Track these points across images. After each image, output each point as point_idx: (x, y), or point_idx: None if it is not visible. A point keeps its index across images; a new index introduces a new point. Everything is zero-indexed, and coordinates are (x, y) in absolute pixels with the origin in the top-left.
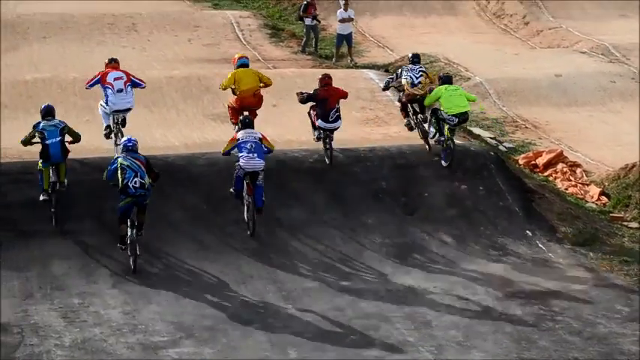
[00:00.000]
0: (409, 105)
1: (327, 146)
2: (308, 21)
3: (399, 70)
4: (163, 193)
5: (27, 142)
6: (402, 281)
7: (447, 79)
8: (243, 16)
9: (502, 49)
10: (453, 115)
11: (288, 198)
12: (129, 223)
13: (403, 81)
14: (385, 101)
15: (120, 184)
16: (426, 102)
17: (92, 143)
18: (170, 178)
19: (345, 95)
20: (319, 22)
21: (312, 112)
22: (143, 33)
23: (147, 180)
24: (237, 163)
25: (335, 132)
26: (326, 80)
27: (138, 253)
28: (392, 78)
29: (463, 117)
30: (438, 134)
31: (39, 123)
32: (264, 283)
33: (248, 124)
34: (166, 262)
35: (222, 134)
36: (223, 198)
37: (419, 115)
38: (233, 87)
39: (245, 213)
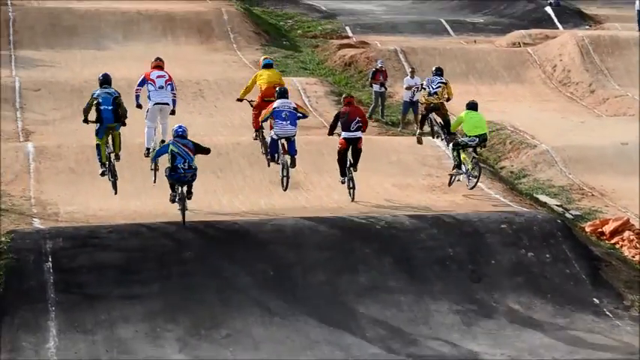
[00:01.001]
0: (430, 116)
1: (351, 182)
2: (376, 87)
3: (424, 82)
4: (231, 258)
5: (87, 109)
6: (469, 348)
7: (472, 106)
8: (309, 83)
9: (568, 117)
10: (474, 136)
11: (355, 263)
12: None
13: (422, 91)
14: (451, 168)
15: (169, 165)
16: (452, 128)
17: (158, 208)
18: (237, 244)
19: (363, 114)
20: (386, 88)
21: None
22: (210, 99)
23: (194, 163)
24: (271, 131)
25: (360, 144)
26: (348, 99)
27: (187, 208)
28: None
29: (483, 137)
30: (463, 168)
31: (96, 91)
32: (331, 349)
33: (283, 93)
34: (233, 326)
35: (288, 201)
36: (290, 264)
37: (447, 137)
38: (249, 100)
39: (280, 171)
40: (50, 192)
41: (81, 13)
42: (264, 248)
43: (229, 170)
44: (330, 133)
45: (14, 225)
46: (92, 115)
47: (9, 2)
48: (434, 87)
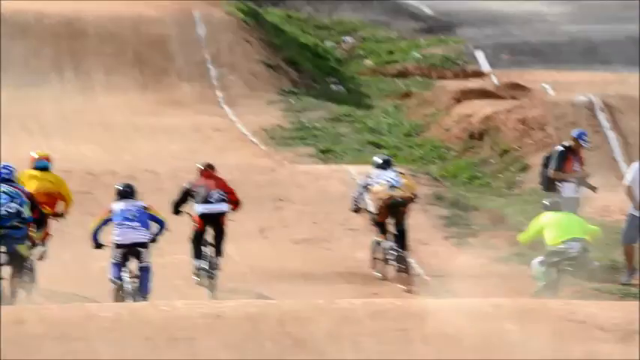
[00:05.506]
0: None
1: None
2: (568, 190)
3: (361, 181)
4: None
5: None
6: None
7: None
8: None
9: None
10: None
11: None
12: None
13: (375, 187)
14: None
15: None
16: None
17: None
18: None
19: (232, 191)
20: (595, 190)
21: None
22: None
23: (26, 211)
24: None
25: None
26: (206, 171)
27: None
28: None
29: None
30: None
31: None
32: None
33: (128, 193)
34: None
35: None
36: None
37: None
38: None
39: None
40: None
41: None
42: None
43: None
44: (175, 211)
45: None
46: None
47: None
48: (394, 178)
